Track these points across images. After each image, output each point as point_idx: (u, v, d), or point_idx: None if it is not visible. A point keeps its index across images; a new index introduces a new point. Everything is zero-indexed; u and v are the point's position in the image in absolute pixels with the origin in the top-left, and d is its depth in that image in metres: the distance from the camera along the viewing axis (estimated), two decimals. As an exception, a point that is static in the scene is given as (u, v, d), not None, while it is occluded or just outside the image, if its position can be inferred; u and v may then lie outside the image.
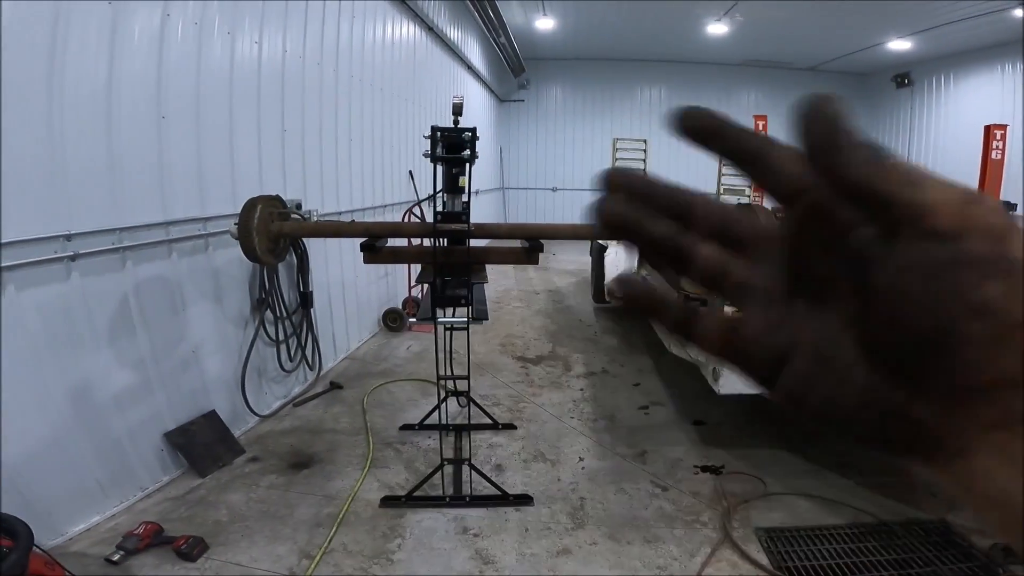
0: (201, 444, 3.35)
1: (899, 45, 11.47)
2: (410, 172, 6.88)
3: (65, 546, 2.62)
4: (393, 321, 6.18)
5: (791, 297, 0.25)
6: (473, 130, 2.69)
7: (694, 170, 14.83)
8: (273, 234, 2.70)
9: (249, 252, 2.61)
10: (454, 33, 8.68)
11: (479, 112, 11.14)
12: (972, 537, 2.83)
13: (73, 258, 2.61)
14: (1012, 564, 2.60)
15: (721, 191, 9.45)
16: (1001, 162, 8.73)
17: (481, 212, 10.13)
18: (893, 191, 0.22)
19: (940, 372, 0.21)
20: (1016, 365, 0.20)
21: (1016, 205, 8.93)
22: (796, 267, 0.25)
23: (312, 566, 2.60)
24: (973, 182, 9.08)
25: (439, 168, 2.76)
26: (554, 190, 15.51)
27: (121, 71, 2.77)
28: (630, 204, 0.27)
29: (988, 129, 8.77)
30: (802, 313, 0.25)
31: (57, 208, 2.53)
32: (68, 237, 2.59)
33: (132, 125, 2.86)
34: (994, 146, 8.67)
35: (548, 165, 15.49)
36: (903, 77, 13.44)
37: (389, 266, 6.38)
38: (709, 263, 0.27)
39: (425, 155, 2.69)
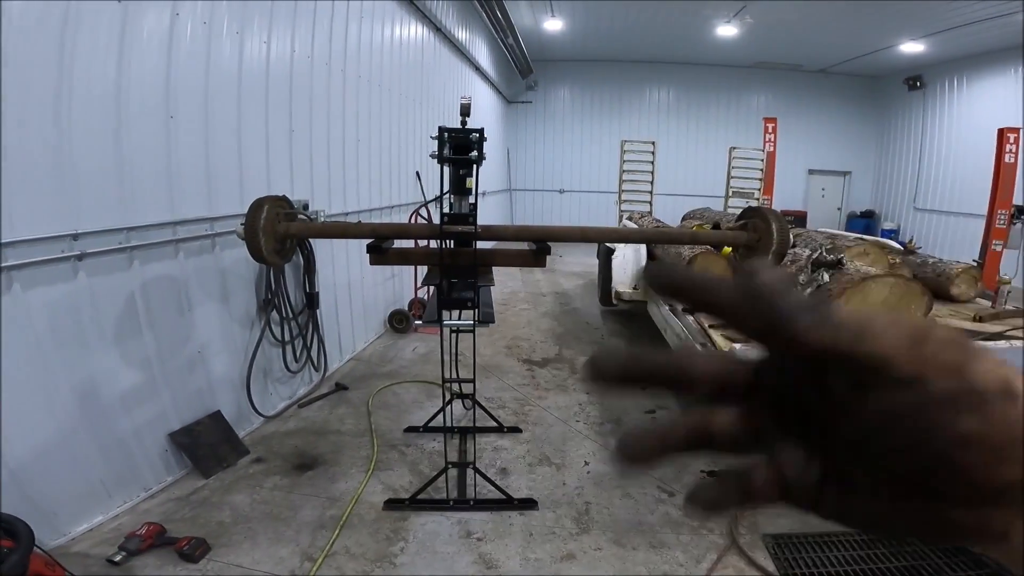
0: (205, 444, 3.34)
1: (911, 48, 11.36)
2: (417, 173, 6.87)
3: (67, 546, 2.62)
4: (399, 323, 6.17)
5: (804, 432, 0.27)
6: (480, 131, 2.66)
7: (702, 171, 14.93)
8: (280, 235, 2.69)
9: (255, 252, 2.60)
10: (462, 34, 8.67)
11: (487, 113, 11.14)
12: (985, 548, 2.78)
13: (80, 257, 2.61)
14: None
15: (730, 194, 9.38)
16: (1014, 165, 8.62)
17: (488, 214, 10.13)
18: (847, 350, 0.23)
19: (953, 489, 0.23)
20: (1019, 472, 0.22)
21: (1030, 209, 8.82)
22: (791, 407, 0.27)
23: (314, 569, 2.59)
24: (987, 185, 8.98)
25: (446, 169, 2.74)
26: (561, 192, 15.48)
27: (130, 71, 2.76)
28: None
29: (1001, 132, 8.67)
30: (820, 451, 0.27)
31: (65, 207, 2.53)
32: (75, 236, 2.58)
33: (141, 125, 2.85)
34: (1007, 149, 8.57)
35: (555, 167, 15.47)
36: (915, 80, 13.31)
37: (395, 267, 6.37)
38: (727, 428, 0.29)
39: (432, 156, 2.67)
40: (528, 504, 3.12)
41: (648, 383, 0.28)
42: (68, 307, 2.61)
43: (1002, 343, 3.10)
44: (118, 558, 2.53)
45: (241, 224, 2.60)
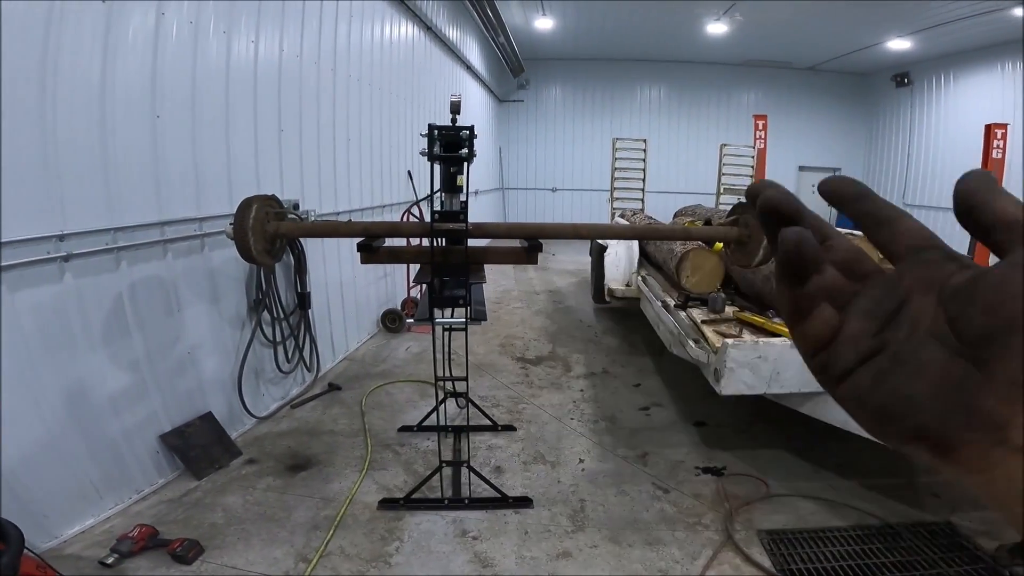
0: (197, 446, 3.32)
1: (898, 45, 11.45)
2: (409, 172, 6.86)
3: (59, 549, 2.61)
4: (392, 322, 6.15)
5: (889, 322, 0.28)
6: (471, 128, 2.65)
7: (693, 169, 14.99)
8: (269, 234, 2.66)
9: (244, 252, 2.57)
10: (453, 33, 8.66)
11: (478, 112, 11.13)
12: (978, 539, 2.81)
13: (67, 258, 2.59)
14: (1018, 566, 2.57)
15: (721, 190, 9.42)
16: (1002, 161, 8.73)
17: (481, 212, 10.12)
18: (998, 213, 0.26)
19: (1007, 361, 0.23)
20: None
21: (1017, 204, 8.92)
22: (899, 304, 0.29)
23: (309, 569, 2.57)
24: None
25: (437, 167, 2.73)
26: (554, 190, 15.50)
27: (115, 71, 2.74)
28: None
29: (989, 128, 8.76)
30: (893, 331, 0.28)
31: (50, 208, 2.50)
32: (61, 237, 2.56)
33: (127, 125, 2.83)
34: (995, 145, 8.67)
35: (548, 165, 15.49)
36: (902, 77, 13.42)
37: (388, 267, 6.36)
38: (830, 280, 0.31)
39: (422, 153, 2.65)
40: (523, 502, 3.11)
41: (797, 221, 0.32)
42: (55, 309, 2.58)
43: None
44: (110, 560, 2.51)
45: (230, 224, 2.57)
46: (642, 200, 9.30)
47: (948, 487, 3.23)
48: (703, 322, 3.48)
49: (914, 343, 0.27)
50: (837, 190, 0.33)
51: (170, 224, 3.14)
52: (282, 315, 4.09)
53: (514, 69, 13.35)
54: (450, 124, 2.65)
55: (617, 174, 9.38)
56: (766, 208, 0.33)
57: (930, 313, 0.27)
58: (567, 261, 10.36)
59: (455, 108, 2.71)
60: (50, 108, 2.45)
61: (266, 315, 3.94)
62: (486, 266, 3.17)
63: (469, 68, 10.28)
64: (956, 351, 0.25)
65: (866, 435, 0.36)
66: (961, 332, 0.25)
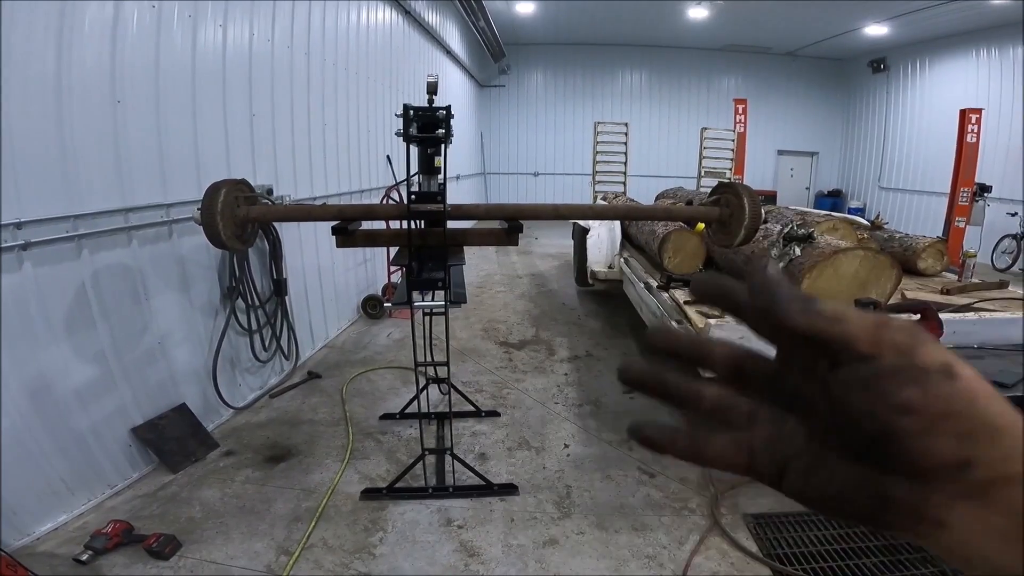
0: (171, 439, 3.22)
1: (875, 30, 11.54)
2: (388, 157, 6.73)
3: (32, 546, 2.54)
4: (373, 308, 6.06)
5: (786, 415, 0.31)
6: (447, 108, 2.57)
7: (674, 152, 15.06)
8: (239, 219, 2.57)
9: (214, 238, 2.48)
10: (432, 17, 8.50)
11: (459, 97, 10.98)
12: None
13: (24, 247, 2.47)
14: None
15: (702, 174, 9.44)
16: (976, 145, 8.85)
17: (462, 197, 9.99)
18: (825, 330, 0.28)
19: (897, 460, 0.26)
20: (953, 447, 0.24)
21: (991, 187, 9.07)
22: (787, 391, 0.31)
23: (291, 562, 2.52)
24: (949, 164, 9.20)
25: (413, 149, 2.65)
26: (535, 175, 15.45)
27: (71, 54, 2.60)
28: (650, 363, 0.35)
29: (963, 113, 8.87)
30: (794, 428, 0.31)
31: (6, 196, 2.37)
32: (18, 225, 2.44)
33: (84, 110, 2.69)
34: (969, 129, 8.78)
35: (529, 150, 15.44)
36: (879, 62, 13.55)
37: (368, 252, 6.26)
38: (715, 400, 0.34)
39: (397, 134, 2.57)
40: (508, 489, 3.08)
41: (674, 358, 0.34)
42: (14, 299, 2.46)
43: (970, 315, 3.16)
44: (84, 557, 2.45)
45: (197, 209, 2.48)
46: (624, 184, 9.27)
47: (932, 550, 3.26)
48: (685, 303, 3.46)
49: (818, 444, 0.30)
50: (704, 293, 0.34)
51: (134, 211, 3.01)
52: (257, 302, 3.98)
53: (495, 54, 13.19)
54: (427, 105, 2.57)
55: (599, 158, 9.34)
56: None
57: (821, 410, 0.29)
58: (550, 245, 10.33)
59: (432, 88, 2.63)
60: (4, 94, 2.32)
61: (241, 303, 3.83)
62: (467, 250, 3.10)
63: (449, 53, 10.11)
64: (856, 447, 0.27)
65: None
66: (852, 438, 0.27)
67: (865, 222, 5.42)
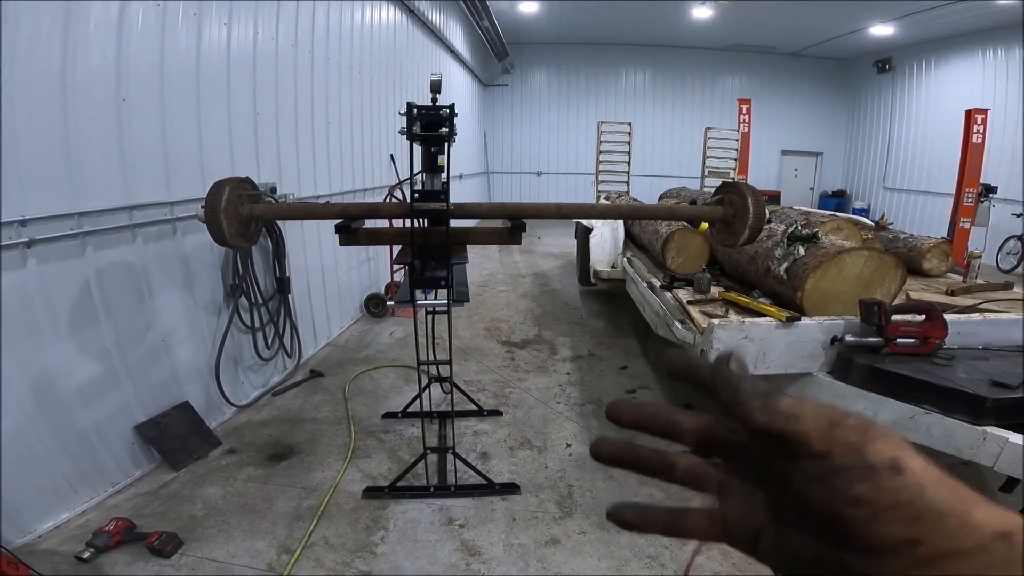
0: (174, 437, 3.23)
1: (881, 30, 11.49)
2: (391, 156, 6.73)
3: (34, 544, 2.54)
4: (376, 307, 6.07)
5: (754, 488, 0.34)
6: (451, 107, 2.57)
7: (678, 152, 15.02)
8: (243, 217, 2.57)
9: (217, 235, 2.48)
10: (436, 16, 8.51)
11: (462, 96, 10.98)
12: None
13: (29, 244, 2.47)
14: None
15: (706, 173, 9.42)
16: (982, 146, 8.80)
17: (466, 196, 9.98)
18: (782, 428, 0.31)
19: (852, 540, 0.28)
20: (901, 530, 0.27)
21: (996, 188, 9.02)
22: (754, 464, 0.34)
23: (292, 561, 2.52)
24: (954, 165, 9.15)
25: (416, 147, 2.65)
26: (539, 174, 15.44)
27: (76, 53, 2.60)
28: (621, 438, 0.39)
29: (969, 113, 8.82)
30: (762, 501, 0.34)
31: (10, 193, 2.38)
32: (23, 222, 2.44)
33: (89, 108, 2.70)
34: (975, 130, 8.74)
35: (533, 149, 15.43)
36: (884, 62, 13.49)
37: (371, 251, 6.27)
38: (686, 471, 0.37)
39: (400, 132, 2.57)
40: (510, 488, 3.08)
41: (646, 431, 0.38)
42: (18, 296, 2.47)
43: (975, 316, 3.14)
44: (86, 555, 2.45)
45: (201, 207, 2.48)
46: (627, 183, 9.25)
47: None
48: (689, 303, 3.45)
49: (783, 520, 0.32)
50: (674, 369, 0.37)
51: (139, 208, 3.02)
52: (260, 300, 3.99)
53: (498, 53, 13.19)
54: (430, 104, 2.57)
55: (602, 157, 9.32)
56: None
57: (783, 492, 0.32)
58: (552, 244, 10.32)
59: (435, 87, 2.63)
60: (7, 92, 2.32)
61: (244, 301, 3.83)
62: (470, 250, 3.10)
63: (453, 52, 10.11)
64: (815, 528, 0.30)
65: None
66: (811, 520, 0.30)
67: (870, 222, 5.40)
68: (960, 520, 0.27)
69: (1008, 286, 4.00)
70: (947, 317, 2.78)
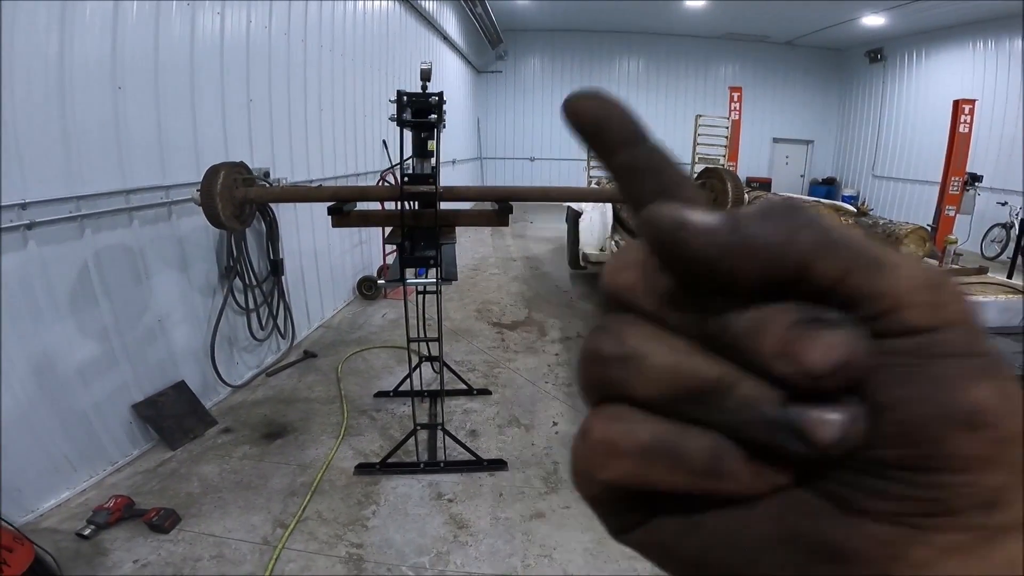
0: (171, 416, 3.31)
1: (873, 20, 11.52)
2: (384, 142, 6.75)
3: (36, 522, 2.60)
4: (368, 289, 6.14)
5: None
6: (440, 94, 2.64)
7: (670, 139, 14.77)
8: (238, 200, 2.64)
9: (213, 218, 2.55)
10: (429, 4, 8.47)
11: (455, 83, 10.95)
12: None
13: (29, 226, 2.53)
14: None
15: (696, 161, 9.48)
16: (968, 135, 8.89)
17: (459, 181, 10.02)
18: (861, 285, 0.16)
19: (942, 471, 0.16)
20: (999, 481, 0.16)
21: (982, 177, 9.16)
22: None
23: (286, 534, 2.60)
24: (941, 154, 9.26)
25: (407, 133, 2.72)
26: (532, 160, 15.46)
27: (73, 41, 2.66)
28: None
29: (956, 104, 8.90)
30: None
31: (11, 177, 2.43)
32: (24, 206, 2.50)
33: (86, 95, 2.75)
34: (962, 120, 8.81)
35: (526, 135, 15.43)
36: (876, 53, 13.54)
37: (364, 234, 6.32)
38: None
39: (391, 119, 2.64)
40: (498, 465, 3.18)
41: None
42: (19, 278, 2.53)
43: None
44: (87, 532, 2.51)
45: (197, 190, 2.54)
46: (619, 171, 9.30)
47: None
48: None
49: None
50: (581, 116, 0.21)
51: (135, 192, 3.07)
52: (254, 282, 4.05)
53: (492, 40, 13.13)
54: (420, 91, 2.64)
55: (594, 145, 9.35)
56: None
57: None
58: (544, 228, 10.39)
59: (426, 75, 2.70)
60: (6, 79, 2.37)
61: (238, 282, 3.90)
62: (462, 234, 3.17)
63: (446, 39, 10.07)
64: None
65: None
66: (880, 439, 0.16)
67: (851, 208, 5.51)
68: None
69: (982, 271, 4.12)
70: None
